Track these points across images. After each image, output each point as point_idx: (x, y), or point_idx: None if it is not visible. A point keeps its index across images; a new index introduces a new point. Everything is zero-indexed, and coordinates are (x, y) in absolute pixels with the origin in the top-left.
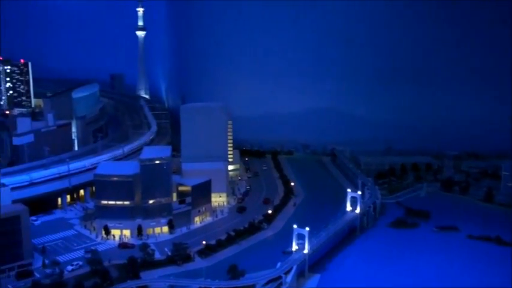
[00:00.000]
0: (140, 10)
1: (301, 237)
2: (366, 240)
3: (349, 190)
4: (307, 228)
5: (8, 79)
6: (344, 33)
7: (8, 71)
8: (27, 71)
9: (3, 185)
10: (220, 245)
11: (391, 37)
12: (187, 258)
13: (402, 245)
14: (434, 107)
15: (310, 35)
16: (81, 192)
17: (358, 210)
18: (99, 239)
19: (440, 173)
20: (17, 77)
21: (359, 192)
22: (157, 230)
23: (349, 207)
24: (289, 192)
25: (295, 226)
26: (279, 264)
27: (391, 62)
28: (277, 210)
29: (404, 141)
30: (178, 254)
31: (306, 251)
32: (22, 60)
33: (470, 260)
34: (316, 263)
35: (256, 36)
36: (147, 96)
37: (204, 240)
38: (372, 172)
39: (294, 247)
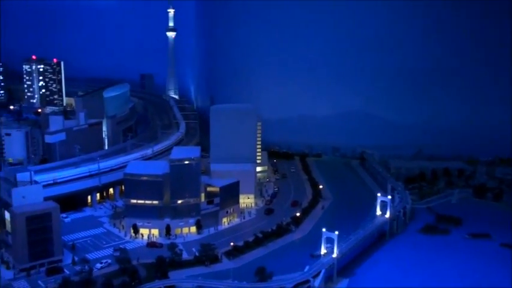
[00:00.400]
0: (171, 11)
1: (330, 240)
2: (395, 246)
3: (379, 194)
4: (337, 232)
5: (41, 78)
6: (375, 36)
7: (41, 69)
8: (60, 70)
9: (35, 182)
10: (248, 246)
11: (424, 39)
12: (215, 259)
13: (433, 252)
14: (466, 110)
15: (342, 37)
16: (111, 190)
17: (388, 215)
18: (127, 238)
19: (473, 179)
20: (49, 75)
21: (389, 197)
22: (185, 230)
23: (378, 212)
24: (317, 195)
25: (324, 229)
26: (307, 267)
27: (422, 64)
28: (305, 213)
29: (435, 145)
30: (206, 255)
31: (334, 255)
32: (55, 60)
33: (503, 268)
34: (344, 267)
35: (287, 38)
36: (176, 97)
37: (231, 242)
38: (402, 176)
39: (323, 251)
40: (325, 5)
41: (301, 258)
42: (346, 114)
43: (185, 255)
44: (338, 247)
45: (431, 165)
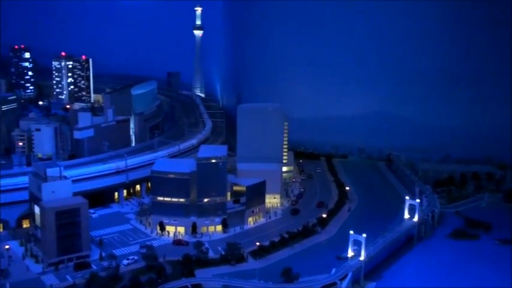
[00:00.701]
0: (198, 9)
1: (357, 243)
2: (423, 250)
3: (407, 198)
4: (364, 235)
5: (69, 74)
6: (404, 36)
7: (70, 66)
8: (88, 67)
9: (65, 177)
10: (274, 246)
11: (452, 40)
12: (241, 259)
13: (462, 257)
14: (497, 113)
15: (369, 37)
16: (138, 187)
17: (416, 219)
18: (154, 235)
19: (503, 183)
20: (78, 72)
21: (417, 200)
22: (211, 228)
23: (406, 215)
24: (343, 196)
25: (351, 232)
26: (334, 269)
27: (451, 66)
28: (331, 214)
29: (464, 149)
30: (232, 254)
31: (362, 258)
32: (84, 57)
33: None
34: (371, 270)
35: (314, 37)
36: (202, 95)
37: (257, 241)
38: (430, 180)
39: (350, 253)
40: (352, 4)
41: (327, 260)
42: (373, 114)
43: (211, 254)
44: (365, 250)
45: (460, 168)
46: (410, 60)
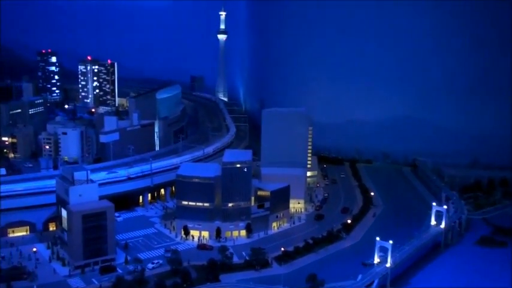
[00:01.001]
0: (223, 14)
1: (383, 249)
2: (451, 257)
3: (434, 204)
4: (391, 242)
5: (95, 78)
6: (430, 40)
7: (96, 70)
8: (113, 71)
9: (91, 181)
10: (298, 252)
11: (481, 44)
12: (265, 264)
13: (489, 264)
14: None
15: (395, 41)
16: (162, 191)
17: (443, 225)
18: (178, 239)
19: None
20: (103, 76)
21: (445, 207)
22: (235, 233)
23: (433, 222)
24: (368, 202)
25: (378, 238)
26: (360, 276)
27: (479, 70)
28: (356, 220)
29: (492, 154)
30: (256, 259)
31: (388, 265)
32: (109, 61)
33: None
34: (398, 277)
35: (338, 41)
36: (225, 99)
37: (281, 247)
38: (456, 186)
39: (376, 260)
40: (376, 9)
41: (352, 266)
42: (397, 119)
43: (235, 259)
44: (392, 256)
45: (487, 174)
46: (436, 63)
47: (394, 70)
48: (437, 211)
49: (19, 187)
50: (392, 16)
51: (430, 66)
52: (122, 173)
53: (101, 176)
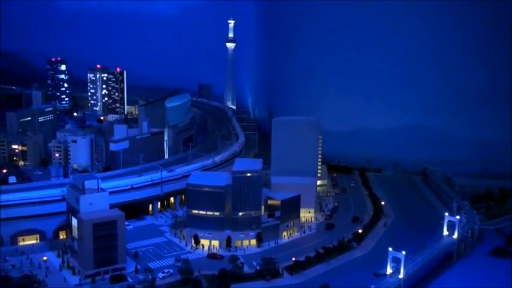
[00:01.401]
0: (231, 22)
1: (395, 260)
2: (463, 268)
3: (446, 214)
4: (404, 252)
5: (104, 86)
6: (439, 47)
7: (105, 78)
8: (123, 79)
9: (102, 189)
10: (310, 262)
11: (490, 52)
12: (276, 274)
13: (503, 275)
14: None
15: (404, 48)
16: (171, 199)
17: (455, 236)
18: (188, 248)
19: None
20: (112, 84)
21: (457, 217)
22: (245, 242)
23: (445, 232)
24: (378, 211)
25: (390, 249)
26: (372, 287)
27: (488, 78)
28: (366, 229)
29: (503, 163)
30: (267, 269)
31: (401, 276)
32: (118, 69)
33: None
34: None
35: (347, 50)
36: (233, 107)
37: (292, 256)
38: (467, 195)
39: (389, 270)
40: (386, 16)
41: (364, 277)
42: (407, 127)
43: (246, 269)
44: (404, 267)
45: (498, 183)
46: (446, 72)
47: (404, 78)
48: (449, 221)
49: (29, 195)
50: (401, 25)
51: (441, 75)
52: (144, 178)
53: (113, 184)
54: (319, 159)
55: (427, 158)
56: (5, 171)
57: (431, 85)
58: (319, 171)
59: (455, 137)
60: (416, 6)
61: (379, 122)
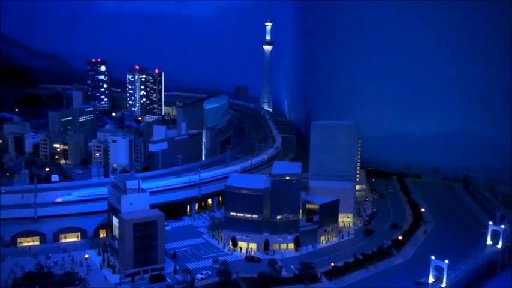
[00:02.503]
0: (268, 25)
1: (437, 269)
2: (507, 279)
3: (490, 223)
4: (447, 261)
5: (142, 87)
6: (483, 53)
7: (143, 79)
8: (161, 80)
9: (143, 190)
10: (348, 267)
11: None
12: (314, 279)
13: None
14: None
15: (447, 53)
16: (209, 201)
17: (499, 245)
18: (226, 250)
19: None
20: (150, 85)
21: (502, 226)
22: (283, 246)
23: (489, 241)
24: (418, 218)
25: (433, 257)
26: None
27: None
28: (406, 236)
29: None
30: (306, 274)
31: (444, 285)
32: (157, 70)
33: None
34: None
35: (388, 54)
36: (270, 109)
37: (331, 261)
38: (510, 203)
39: (431, 279)
40: (428, 21)
41: (404, 285)
42: (448, 133)
43: (284, 272)
44: (447, 276)
45: None
46: (488, 77)
47: (447, 83)
48: (493, 230)
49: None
50: (445, 30)
51: (483, 80)
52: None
53: (152, 184)
54: (358, 164)
55: (468, 165)
56: (47, 169)
57: (474, 90)
58: (357, 176)
59: (498, 143)
60: (466, 8)
61: (419, 127)
